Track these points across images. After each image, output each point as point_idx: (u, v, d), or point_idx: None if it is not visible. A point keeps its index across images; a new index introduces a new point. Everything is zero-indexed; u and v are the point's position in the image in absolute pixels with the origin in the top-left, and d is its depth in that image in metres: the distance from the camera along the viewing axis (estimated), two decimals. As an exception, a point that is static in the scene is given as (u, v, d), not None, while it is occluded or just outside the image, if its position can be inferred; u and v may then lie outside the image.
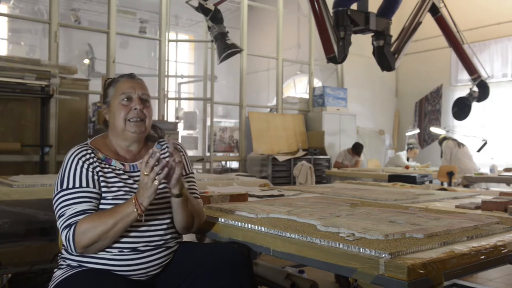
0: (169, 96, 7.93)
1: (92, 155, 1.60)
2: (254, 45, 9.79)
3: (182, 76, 11.77)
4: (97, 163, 1.58)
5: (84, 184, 1.53)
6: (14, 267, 3.04)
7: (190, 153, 8.69)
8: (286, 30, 8.69)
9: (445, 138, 7.12)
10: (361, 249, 1.23)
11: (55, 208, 1.52)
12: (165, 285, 1.62)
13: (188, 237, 1.87)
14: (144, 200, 1.47)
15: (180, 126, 8.37)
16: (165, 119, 7.11)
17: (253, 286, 1.62)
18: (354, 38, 3.50)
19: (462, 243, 1.35)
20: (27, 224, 3.42)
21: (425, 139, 9.69)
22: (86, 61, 10.35)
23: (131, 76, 1.72)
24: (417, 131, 9.16)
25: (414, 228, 1.47)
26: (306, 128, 8.44)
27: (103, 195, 1.56)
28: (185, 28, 12.09)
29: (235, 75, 9.27)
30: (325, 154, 7.93)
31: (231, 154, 8.24)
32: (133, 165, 1.66)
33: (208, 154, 7.57)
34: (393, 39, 3.87)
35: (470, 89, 4.92)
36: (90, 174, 1.55)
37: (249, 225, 1.62)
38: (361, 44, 5.07)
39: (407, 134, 8.83)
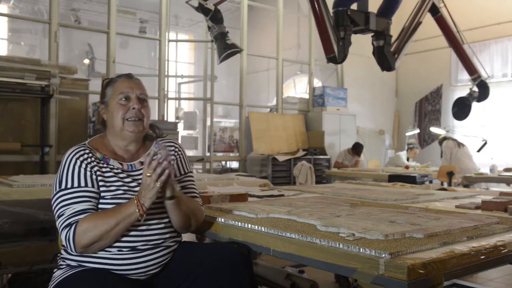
0: (169, 96, 7.93)
1: (90, 154, 1.60)
2: (254, 45, 9.79)
3: (182, 76, 11.77)
4: (95, 163, 1.59)
5: (82, 184, 1.54)
6: (14, 267, 3.04)
7: (190, 153, 8.69)
8: (286, 30, 8.69)
9: (445, 138, 7.12)
10: (361, 249, 1.23)
11: (54, 208, 1.53)
12: (165, 285, 1.62)
13: (188, 237, 1.87)
14: (146, 201, 1.48)
15: (180, 126, 8.37)
16: (165, 119, 7.11)
17: (253, 286, 1.62)
18: (354, 38, 3.50)
19: (462, 243, 1.35)
20: (27, 224, 3.42)
21: (425, 139, 9.69)
22: (86, 61, 10.35)
23: (129, 76, 1.73)
24: (417, 131, 9.16)
25: (414, 228, 1.47)
26: (306, 128, 8.45)
27: (102, 194, 1.56)
28: (185, 28, 12.09)
29: (235, 75, 9.26)
30: (325, 154, 7.93)
31: (231, 154, 8.24)
32: (131, 165, 1.67)
33: (208, 154, 7.57)
34: (393, 39, 3.87)
35: (470, 89, 4.92)
36: (88, 173, 1.56)
37: (249, 225, 1.62)
38: (361, 44, 5.07)
39: (407, 134, 8.83)
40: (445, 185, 5.54)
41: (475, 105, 4.91)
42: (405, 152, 7.90)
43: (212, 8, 3.53)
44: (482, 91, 4.87)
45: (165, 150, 1.51)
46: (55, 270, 1.60)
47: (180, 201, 1.58)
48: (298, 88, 11.07)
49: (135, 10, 10.66)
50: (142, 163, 1.51)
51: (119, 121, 1.64)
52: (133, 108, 1.65)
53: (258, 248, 1.55)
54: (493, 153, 7.77)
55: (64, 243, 1.50)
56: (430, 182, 5.04)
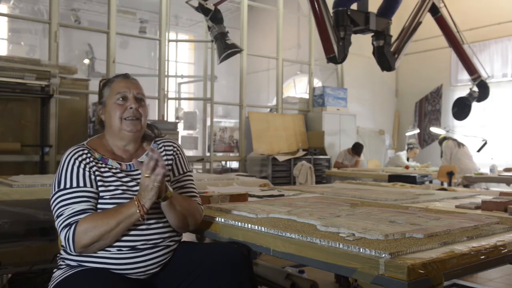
0: (169, 96, 7.93)
1: (89, 155, 1.61)
2: (254, 45, 9.79)
3: (182, 76, 11.77)
4: (93, 163, 1.59)
5: (81, 184, 1.54)
6: (14, 267, 3.04)
7: (190, 153, 8.69)
8: (286, 30, 8.69)
9: (445, 138, 7.12)
10: (361, 249, 1.23)
11: (53, 208, 1.53)
12: (165, 285, 1.62)
13: (188, 237, 1.87)
14: (146, 202, 1.48)
15: (180, 126, 8.37)
16: (165, 119, 7.11)
17: (253, 286, 1.62)
18: (354, 38, 3.50)
19: (462, 243, 1.34)
20: (27, 224, 3.42)
21: (425, 139, 9.69)
22: (86, 61, 10.35)
23: (125, 76, 1.74)
24: (417, 131, 9.16)
25: (414, 228, 1.47)
26: (306, 128, 8.45)
27: (101, 194, 1.56)
28: (185, 28, 12.09)
29: (235, 75, 9.27)
30: (325, 154, 7.94)
31: (231, 154, 8.25)
32: (130, 164, 1.67)
33: (208, 154, 7.57)
34: (393, 39, 3.87)
35: (470, 89, 4.92)
36: (87, 173, 1.56)
37: (249, 225, 1.62)
38: (361, 44, 5.07)
39: (407, 134, 8.83)
40: (445, 185, 5.54)
41: (475, 105, 4.91)
42: (405, 152, 7.90)
43: (212, 8, 3.53)
44: (482, 91, 4.87)
45: (156, 151, 1.51)
46: (55, 270, 1.60)
47: (174, 201, 1.58)
48: (298, 88, 11.07)
49: (135, 10, 10.66)
50: (140, 163, 1.51)
51: (117, 121, 1.65)
52: (131, 108, 1.66)
53: (258, 248, 1.55)
54: (493, 153, 7.77)
55: (63, 243, 1.50)
56: (430, 182, 5.04)
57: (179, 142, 7.18)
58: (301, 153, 7.70)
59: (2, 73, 4.72)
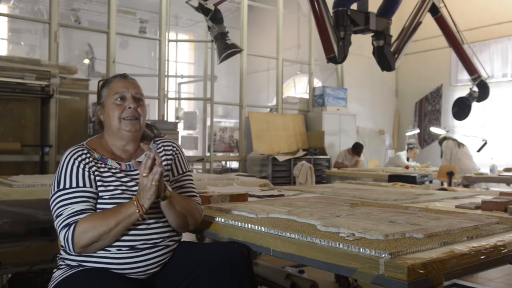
0: (169, 96, 7.93)
1: (88, 155, 1.61)
2: (254, 45, 9.79)
3: (182, 76, 11.77)
4: (93, 163, 1.60)
5: (81, 184, 1.54)
6: (14, 267, 3.04)
7: (190, 153, 8.70)
8: (286, 30, 8.69)
9: (445, 138, 7.12)
10: (361, 249, 1.23)
11: (53, 208, 1.53)
12: (164, 285, 1.62)
13: (188, 237, 1.87)
14: (145, 202, 1.48)
15: (180, 126, 8.37)
16: (165, 119, 7.11)
17: (253, 286, 1.62)
18: (354, 38, 3.50)
19: (462, 243, 1.34)
20: (27, 224, 3.42)
21: (425, 139, 9.69)
22: (86, 61, 10.35)
23: (123, 76, 1.74)
24: (417, 131, 9.16)
25: (414, 228, 1.47)
26: (306, 128, 8.45)
27: (100, 194, 1.56)
28: (185, 28, 12.09)
29: (235, 75, 9.27)
30: (325, 154, 7.93)
31: (231, 154, 8.25)
32: (129, 164, 1.67)
33: (208, 154, 7.57)
34: (393, 39, 3.87)
35: (470, 89, 4.92)
36: (86, 174, 1.56)
37: (249, 225, 1.62)
38: (361, 44, 5.07)
39: (407, 134, 8.83)
40: (445, 185, 5.54)
41: (475, 105, 4.91)
42: (405, 152, 7.90)
43: (212, 8, 3.53)
44: (482, 91, 4.87)
45: (153, 150, 1.51)
46: (54, 270, 1.60)
47: (174, 201, 1.58)
48: (298, 88, 11.07)
49: (135, 10, 10.66)
50: (139, 163, 1.51)
51: (116, 121, 1.65)
52: (129, 108, 1.66)
53: (258, 248, 1.55)
54: (493, 153, 7.77)
55: (62, 243, 1.50)
56: (430, 182, 5.04)
57: (179, 142, 7.20)
58: (301, 153, 7.70)
59: (2, 73, 4.72)
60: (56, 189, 1.55)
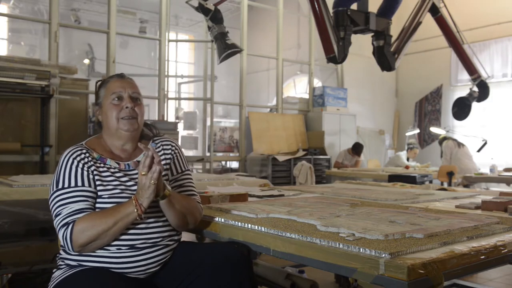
0: (169, 96, 7.93)
1: (87, 154, 1.61)
2: (254, 45, 9.79)
3: (182, 76, 11.77)
4: (92, 163, 1.60)
5: (79, 184, 1.55)
6: (14, 267, 3.04)
7: (190, 153, 8.70)
8: (286, 30, 8.69)
9: (445, 138, 7.12)
10: (361, 249, 1.23)
11: (52, 208, 1.54)
12: (164, 284, 1.62)
13: (188, 237, 1.87)
14: (144, 201, 1.48)
15: (180, 126, 8.37)
16: (165, 119, 7.11)
17: (253, 286, 1.62)
18: (354, 38, 3.50)
19: (462, 243, 1.34)
20: (27, 224, 3.42)
21: (425, 139, 9.69)
22: (86, 61, 10.36)
23: (120, 76, 1.74)
24: (417, 131, 9.16)
25: (414, 228, 1.47)
26: (306, 128, 8.45)
27: (99, 193, 1.57)
28: (185, 28, 12.09)
29: (235, 75, 9.27)
30: (325, 154, 7.94)
31: (231, 154, 8.25)
32: (128, 164, 1.67)
33: (208, 154, 7.57)
34: (393, 39, 3.87)
35: (470, 89, 4.92)
36: (85, 173, 1.57)
37: (249, 225, 1.62)
38: (361, 44, 5.08)
39: (407, 134, 8.83)
40: (445, 185, 5.54)
41: (475, 105, 4.91)
42: (405, 152, 7.90)
43: (212, 8, 3.54)
44: (482, 91, 4.87)
45: (151, 148, 1.51)
46: (54, 270, 1.60)
47: (173, 200, 1.58)
48: (298, 88, 11.07)
49: (135, 10, 10.66)
50: (137, 163, 1.51)
51: (114, 121, 1.65)
52: (126, 107, 1.66)
53: (258, 248, 1.55)
54: (493, 153, 7.77)
55: (61, 242, 1.50)
56: (430, 182, 5.04)
57: (179, 142, 7.20)
58: (301, 153, 7.70)
59: (2, 73, 4.72)
60: (55, 189, 1.55)
